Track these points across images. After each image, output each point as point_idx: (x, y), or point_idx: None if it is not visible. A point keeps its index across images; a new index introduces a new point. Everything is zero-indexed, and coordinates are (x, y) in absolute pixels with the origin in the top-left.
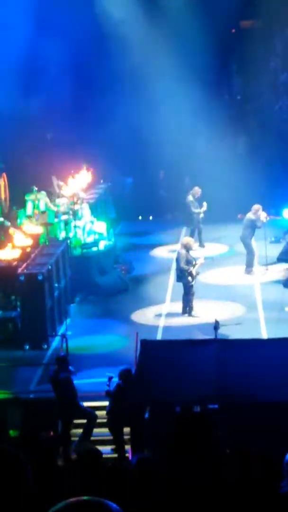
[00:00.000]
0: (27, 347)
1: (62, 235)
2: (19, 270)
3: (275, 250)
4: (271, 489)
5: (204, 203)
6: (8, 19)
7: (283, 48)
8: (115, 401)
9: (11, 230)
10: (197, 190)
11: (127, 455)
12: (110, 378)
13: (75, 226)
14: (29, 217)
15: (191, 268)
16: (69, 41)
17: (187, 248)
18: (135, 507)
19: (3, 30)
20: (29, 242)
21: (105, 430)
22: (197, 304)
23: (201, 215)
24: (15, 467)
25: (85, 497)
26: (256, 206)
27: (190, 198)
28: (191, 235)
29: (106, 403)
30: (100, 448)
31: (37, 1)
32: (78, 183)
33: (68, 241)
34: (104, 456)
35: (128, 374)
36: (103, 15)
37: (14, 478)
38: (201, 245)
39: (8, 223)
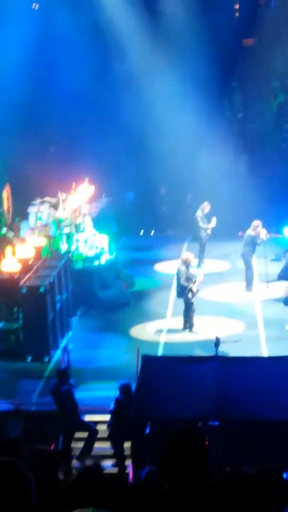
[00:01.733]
0: (29, 359)
1: (64, 248)
2: (21, 282)
3: (276, 268)
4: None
5: (213, 219)
6: (7, 31)
7: (283, 67)
8: (115, 415)
9: (14, 242)
10: (206, 205)
11: (127, 470)
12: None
13: (77, 240)
14: (31, 229)
15: (191, 285)
16: (70, 56)
17: (187, 264)
18: None
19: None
20: (31, 254)
21: (106, 444)
22: (198, 320)
23: (209, 231)
24: (22, 480)
25: (90, 509)
26: (256, 222)
27: (199, 213)
28: (200, 250)
29: (107, 417)
30: (102, 462)
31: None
32: (80, 197)
33: (70, 254)
34: (105, 471)
35: (127, 388)
36: (105, 30)
37: (21, 491)
38: (202, 262)
39: (10, 235)
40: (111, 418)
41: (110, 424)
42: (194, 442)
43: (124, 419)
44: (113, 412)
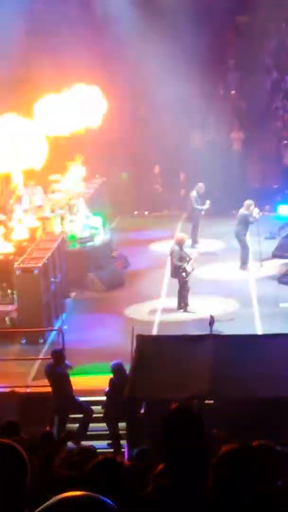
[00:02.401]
0: (24, 341)
1: (58, 229)
2: (16, 264)
3: (270, 246)
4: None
5: (207, 201)
6: None
7: (277, 45)
8: (109, 396)
9: (7, 224)
10: (201, 186)
11: (123, 449)
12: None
13: (71, 221)
14: (25, 211)
15: (185, 264)
16: (60, 28)
17: (180, 244)
18: (130, 501)
19: None
20: (25, 236)
21: (101, 424)
22: (192, 299)
23: (202, 212)
24: (20, 463)
25: (79, 492)
26: (249, 202)
27: (194, 193)
28: (193, 230)
29: (102, 398)
30: (96, 442)
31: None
32: (73, 178)
33: (64, 236)
34: (99, 450)
35: (119, 368)
36: (99, 11)
37: (18, 474)
38: (195, 241)
39: (4, 217)
40: (106, 399)
41: (105, 404)
42: (189, 417)
43: (119, 399)
44: (107, 393)
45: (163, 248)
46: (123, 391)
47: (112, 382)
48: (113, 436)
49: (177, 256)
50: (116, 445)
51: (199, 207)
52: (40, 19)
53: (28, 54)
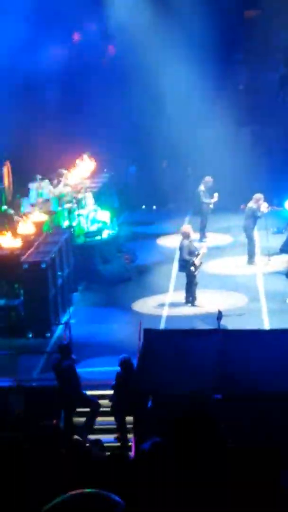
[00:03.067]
0: (30, 335)
1: (65, 223)
2: (23, 258)
3: (278, 240)
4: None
5: (215, 194)
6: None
7: (286, 39)
8: (116, 390)
9: (15, 218)
10: (208, 180)
11: (130, 444)
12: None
13: (78, 215)
14: (32, 205)
15: (194, 258)
16: (72, 33)
17: (187, 236)
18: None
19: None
20: (32, 230)
21: (108, 418)
22: (200, 294)
23: (211, 206)
24: (20, 457)
25: (88, 490)
26: (258, 195)
27: (201, 187)
28: (202, 224)
29: (109, 392)
30: (104, 436)
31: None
32: (81, 172)
33: (72, 230)
34: (107, 444)
35: (126, 362)
36: (106, 3)
37: (18, 468)
38: (204, 235)
39: (11, 211)
40: (113, 392)
41: (112, 398)
42: (206, 422)
43: (126, 393)
44: (114, 387)
45: (170, 242)
46: (130, 385)
47: (118, 376)
48: (120, 430)
49: (187, 250)
50: (123, 439)
51: (207, 200)
52: None
53: None
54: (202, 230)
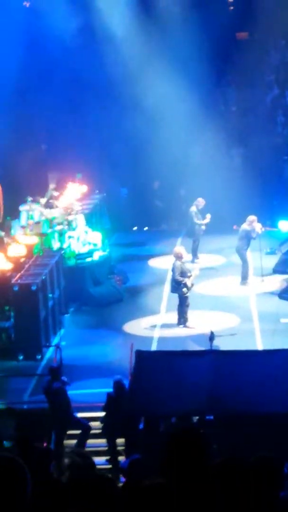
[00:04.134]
0: (21, 357)
1: (56, 245)
2: (13, 280)
3: (271, 261)
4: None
5: (208, 215)
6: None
7: (277, 61)
8: (106, 411)
9: (5, 240)
10: (201, 201)
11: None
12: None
13: (69, 237)
14: (23, 227)
15: (186, 280)
16: (64, 52)
17: (180, 257)
18: None
19: None
20: (23, 252)
21: (100, 440)
22: (192, 315)
23: (203, 227)
24: (21, 478)
25: None
26: (251, 217)
27: (193, 208)
28: (194, 245)
29: (100, 414)
30: (95, 458)
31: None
32: (72, 194)
33: (62, 252)
34: (98, 467)
35: (118, 384)
36: (97, 23)
37: (19, 489)
38: (196, 257)
39: (2, 233)
40: (104, 414)
41: (102, 420)
42: (198, 443)
43: (116, 414)
44: (105, 408)
45: (162, 263)
46: (121, 407)
47: (110, 396)
48: (111, 452)
49: (179, 271)
50: (114, 461)
51: (199, 222)
52: None
53: None
54: (194, 251)
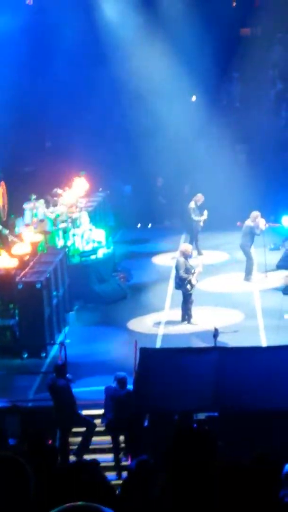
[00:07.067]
0: (26, 355)
1: (60, 243)
2: (18, 278)
3: (275, 257)
4: (271, 499)
5: (205, 212)
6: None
7: (281, 56)
8: (112, 408)
9: (9, 238)
10: (199, 197)
11: (125, 463)
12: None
13: (73, 234)
14: (27, 225)
15: (190, 277)
16: (66, 50)
17: (185, 255)
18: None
19: None
20: (27, 250)
21: (104, 438)
22: (196, 311)
23: (201, 223)
24: (23, 476)
25: (80, 503)
26: (255, 213)
27: (192, 205)
28: (191, 242)
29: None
30: (99, 456)
31: (33, 8)
32: (76, 191)
33: (67, 249)
34: (103, 464)
35: (122, 380)
36: (101, 21)
37: (21, 487)
38: (199, 253)
39: (6, 231)
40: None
41: (103, 415)
42: (202, 437)
43: (119, 412)
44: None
45: (166, 260)
46: (124, 404)
47: (109, 390)
48: (116, 449)
49: (183, 268)
50: (117, 458)
51: (196, 218)
52: None
53: None
54: (195, 247)
